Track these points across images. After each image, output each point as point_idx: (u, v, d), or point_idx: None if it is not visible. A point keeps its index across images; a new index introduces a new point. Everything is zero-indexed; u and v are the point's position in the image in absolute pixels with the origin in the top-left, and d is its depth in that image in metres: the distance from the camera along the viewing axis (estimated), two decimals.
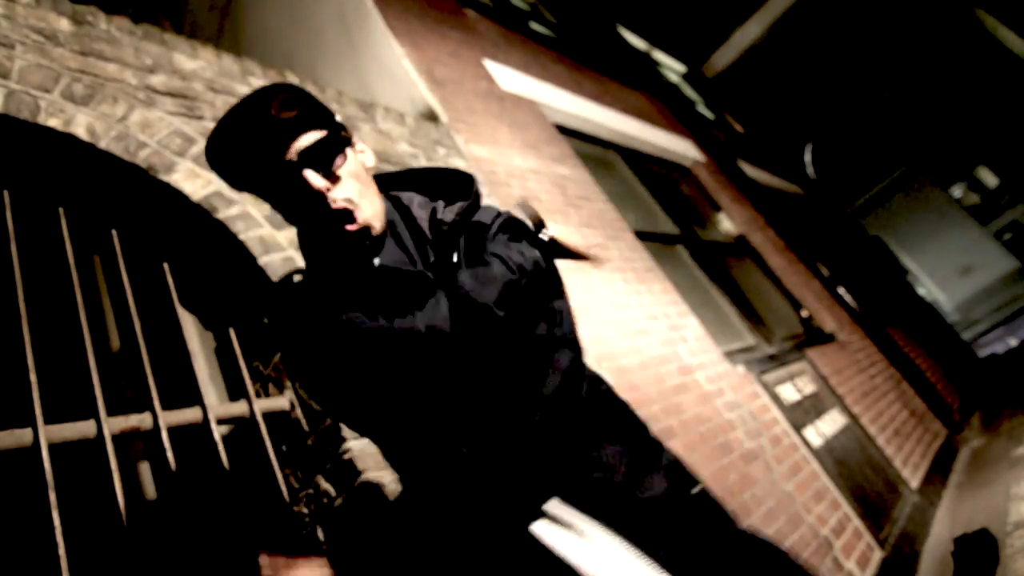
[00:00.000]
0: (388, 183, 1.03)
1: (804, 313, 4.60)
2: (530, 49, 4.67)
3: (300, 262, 1.62)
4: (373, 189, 0.92)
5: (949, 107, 15.15)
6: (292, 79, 2.25)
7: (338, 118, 0.91)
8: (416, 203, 0.98)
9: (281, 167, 0.82)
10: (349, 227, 0.86)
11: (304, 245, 0.98)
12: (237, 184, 0.88)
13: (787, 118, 12.79)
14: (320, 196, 0.83)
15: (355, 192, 0.86)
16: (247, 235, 1.56)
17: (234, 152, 0.83)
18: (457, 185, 1.02)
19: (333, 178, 0.85)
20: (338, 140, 0.87)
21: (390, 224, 0.94)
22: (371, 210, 0.88)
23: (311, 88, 2.30)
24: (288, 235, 1.65)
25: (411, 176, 1.06)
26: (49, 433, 1.16)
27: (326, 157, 0.85)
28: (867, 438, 3.47)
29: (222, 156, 0.84)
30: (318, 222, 0.87)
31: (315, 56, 3.46)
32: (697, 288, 3.84)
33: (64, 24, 1.62)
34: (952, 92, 14.48)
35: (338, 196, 0.84)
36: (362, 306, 0.87)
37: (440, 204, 0.98)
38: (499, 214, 1.02)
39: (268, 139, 0.82)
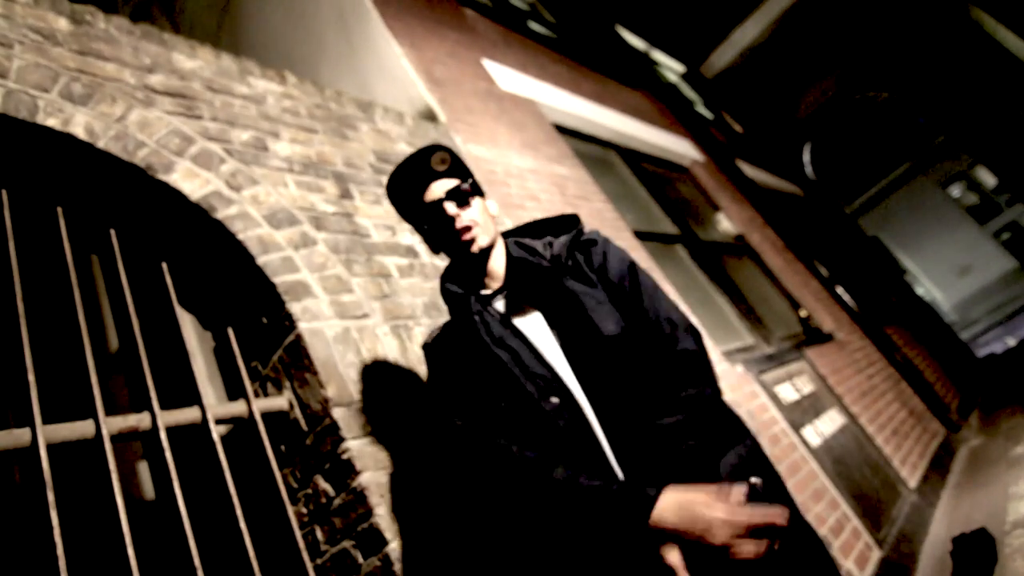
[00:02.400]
0: (515, 233, 1.32)
1: (803, 313, 4.60)
2: (529, 49, 4.67)
3: (298, 261, 1.62)
4: (492, 226, 1.21)
5: (949, 107, 15.16)
6: (291, 79, 2.25)
7: (475, 176, 1.26)
8: (539, 245, 1.25)
9: (431, 202, 1.18)
10: (472, 248, 1.16)
11: (445, 281, 1.25)
12: (404, 214, 1.25)
13: (787, 118, 12.80)
14: (451, 219, 1.16)
15: (478, 218, 1.18)
16: (246, 235, 1.56)
17: (402, 190, 1.23)
18: (564, 224, 1.30)
19: (463, 208, 1.18)
20: (472, 188, 1.21)
21: (518, 260, 1.21)
22: (487, 237, 1.18)
23: (310, 87, 2.30)
24: (287, 234, 1.65)
25: (531, 226, 1.33)
26: (47, 433, 1.16)
27: (462, 196, 1.18)
28: (865, 438, 3.48)
29: (395, 193, 1.24)
30: (447, 239, 1.18)
31: (314, 55, 3.46)
32: (696, 288, 3.84)
33: (62, 23, 1.61)
34: (951, 92, 14.49)
35: (464, 217, 1.17)
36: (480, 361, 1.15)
37: (551, 239, 1.26)
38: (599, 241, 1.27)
39: (423, 181, 1.19)
